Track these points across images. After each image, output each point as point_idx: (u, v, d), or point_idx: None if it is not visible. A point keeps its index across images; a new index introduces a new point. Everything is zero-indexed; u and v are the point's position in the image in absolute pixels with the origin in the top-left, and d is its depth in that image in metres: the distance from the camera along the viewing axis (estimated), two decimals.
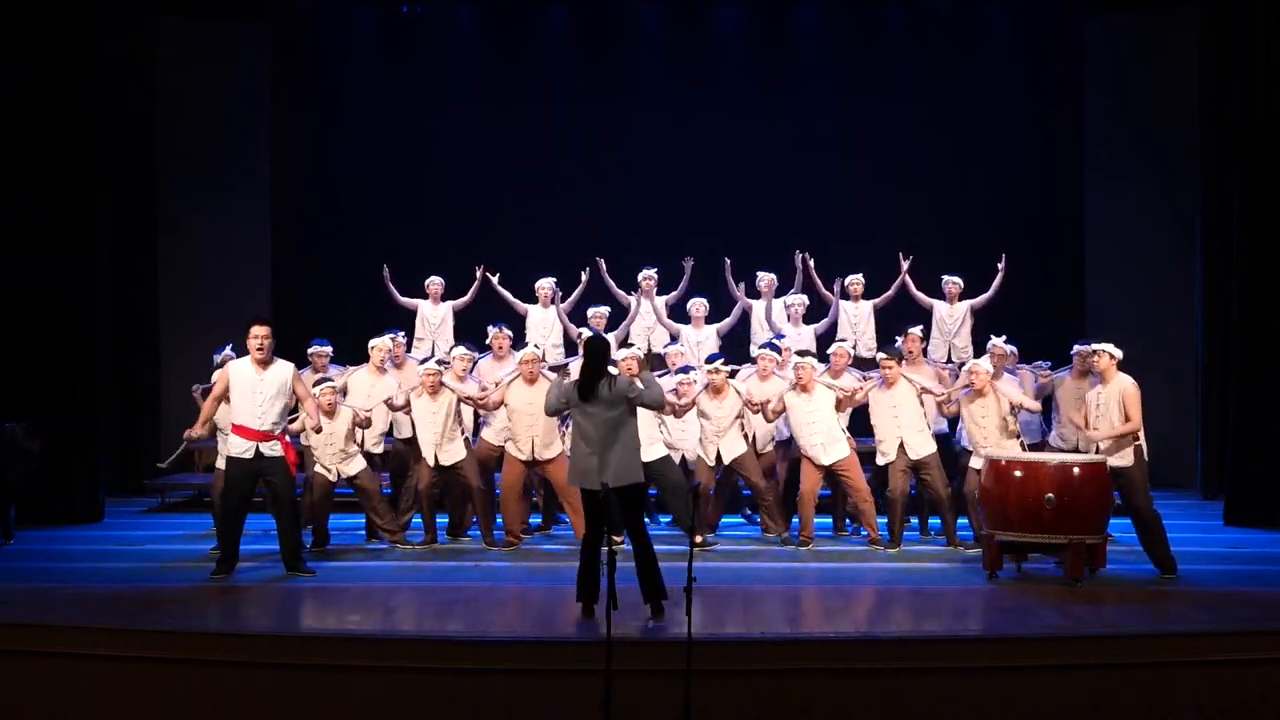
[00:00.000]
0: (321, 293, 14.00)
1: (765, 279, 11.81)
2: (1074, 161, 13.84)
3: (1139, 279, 13.26)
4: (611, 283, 12.00)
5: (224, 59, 13.61)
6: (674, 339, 11.58)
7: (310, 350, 10.29)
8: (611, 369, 7.80)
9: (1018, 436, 9.45)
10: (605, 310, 11.56)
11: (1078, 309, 13.54)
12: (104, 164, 11.70)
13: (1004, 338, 10.20)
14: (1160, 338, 12.48)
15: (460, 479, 9.90)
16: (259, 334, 8.59)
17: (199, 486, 11.94)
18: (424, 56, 14.50)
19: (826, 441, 9.74)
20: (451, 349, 10.54)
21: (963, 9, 14.42)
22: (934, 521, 10.19)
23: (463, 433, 9.97)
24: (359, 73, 14.54)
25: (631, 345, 10.11)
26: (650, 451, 9.41)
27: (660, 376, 9.98)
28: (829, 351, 10.26)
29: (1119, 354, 8.79)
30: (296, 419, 9.16)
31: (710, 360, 10.01)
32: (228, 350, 9.72)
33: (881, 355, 9.88)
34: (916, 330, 10.36)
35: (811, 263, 11.95)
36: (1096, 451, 8.65)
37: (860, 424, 10.23)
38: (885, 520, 9.81)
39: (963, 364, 10.53)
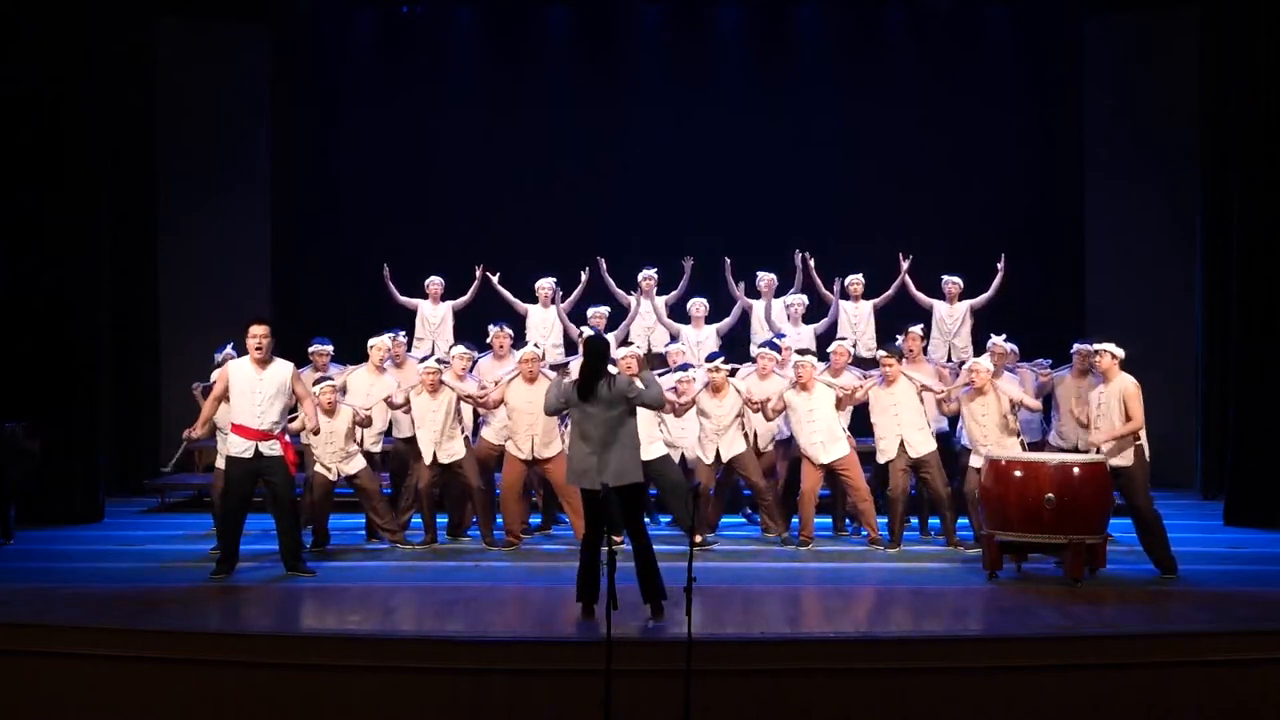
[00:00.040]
0: (321, 293, 14.00)
1: (765, 279, 11.82)
2: (1074, 161, 13.84)
3: (1139, 279, 13.26)
4: (611, 282, 12.01)
5: (224, 59, 13.61)
6: (674, 339, 11.59)
7: (311, 349, 10.29)
8: (611, 368, 7.80)
9: (1018, 435, 9.45)
10: (605, 310, 11.57)
11: (1078, 309, 13.54)
12: (104, 164, 11.70)
13: (1004, 336, 10.21)
14: (1160, 338, 12.48)
15: (460, 478, 9.90)
16: (258, 333, 8.59)
17: (199, 486, 11.94)
18: (424, 56, 14.50)
19: (826, 440, 9.74)
20: (451, 348, 10.55)
21: (963, 9, 14.42)
22: (934, 521, 10.19)
23: (462, 431, 9.97)
24: (359, 73, 14.54)
25: (631, 344, 10.11)
26: (650, 450, 9.40)
27: (662, 375, 9.99)
28: (829, 350, 10.26)
29: (1121, 353, 8.79)
30: (297, 418, 9.16)
31: (710, 359, 10.01)
32: (229, 349, 9.72)
33: (882, 353, 9.88)
34: (917, 329, 10.37)
35: (812, 262, 11.96)
36: (1098, 451, 8.65)
37: (860, 424, 10.23)
38: (885, 520, 9.81)
39: (963, 363, 10.53)
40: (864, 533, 9.94)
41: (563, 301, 11.70)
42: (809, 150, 14.15)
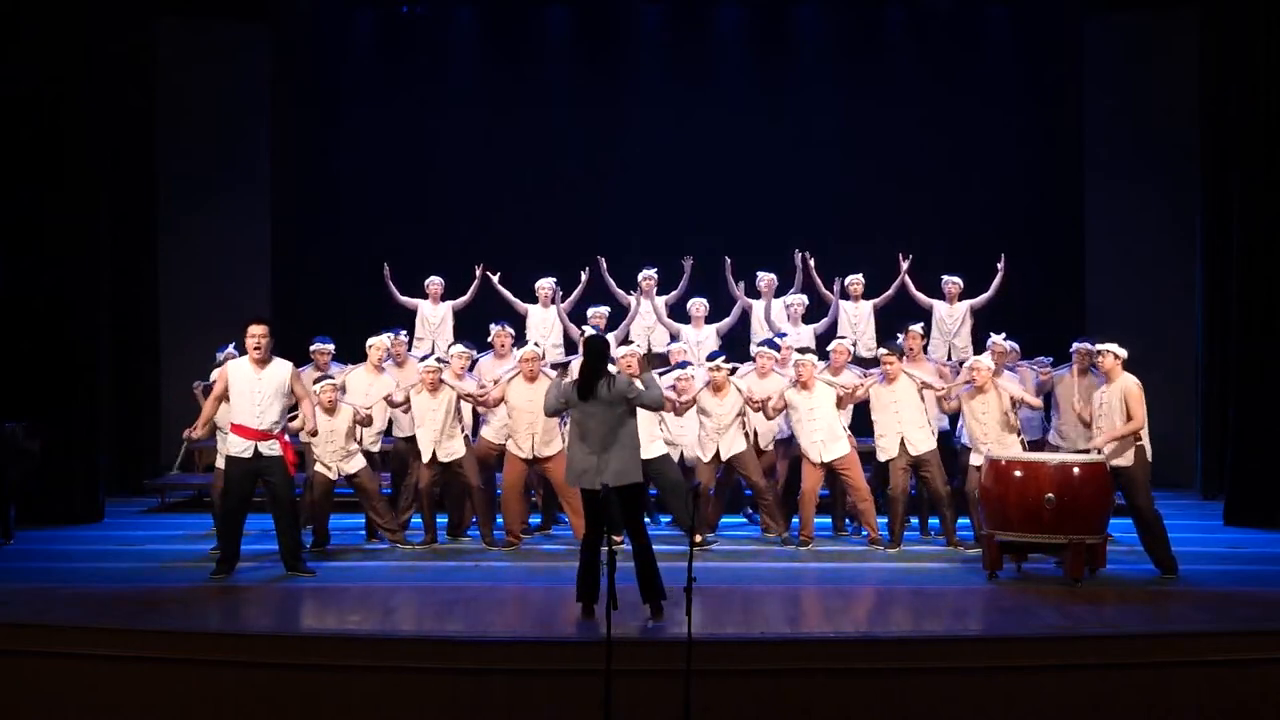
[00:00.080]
0: (321, 293, 14.00)
1: (765, 279, 11.83)
2: (1074, 161, 13.84)
3: (1139, 279, 13.26)
4: (611, 282, 12.02)
5: (224, 59, 13.61)
6: (674, 339, 11.59)
7: (312, 348, 10.29)
8: (611, 368, 7.80)
9: (1018, 433, 9.46)
10: (605, 310, 11.58)
11: (1078, 309, 13.54)
12: (104, 164, 11.70)
13: (1003, 335, 10.22)
14: (1160, 338, 12.48)
15: (460, 477, 9.90)
16: (256, 333, 8.59)
17: (199, 486, 11.94)
18: (424, 56, 14.50)
19: (827, 439, 9.74)
20: (450, 346, 10.55)
21: (963, 9, 14.42)
22: (934, 521, 10.19)
23: (462, 430, 9.97)
24: (359, 73, 14.54)
25: (632, 343, 10.12)
26: (650, 450, 9.40)
27: (663, 374, 10.00)
28: (828, 349, 10.26)
29: (1123, 353, 8.80)
30: (297, 418, 9.15)
31: (711, 358, 10.01)
32: (230, 349, 9.72)
33: (883, 351, 9.88)
34: (917, 328, 10.37)
35: (812, 262, 11.97)
36: (1099, 452, 8.65)
37: (860, 424, 10.23)
38: (885, 520, 9.82)
39: (962, 363, 10.54)
40: (864, 533, 9.93)
41: (563, 301, 11.71)
42: (809, 150, 14.15)
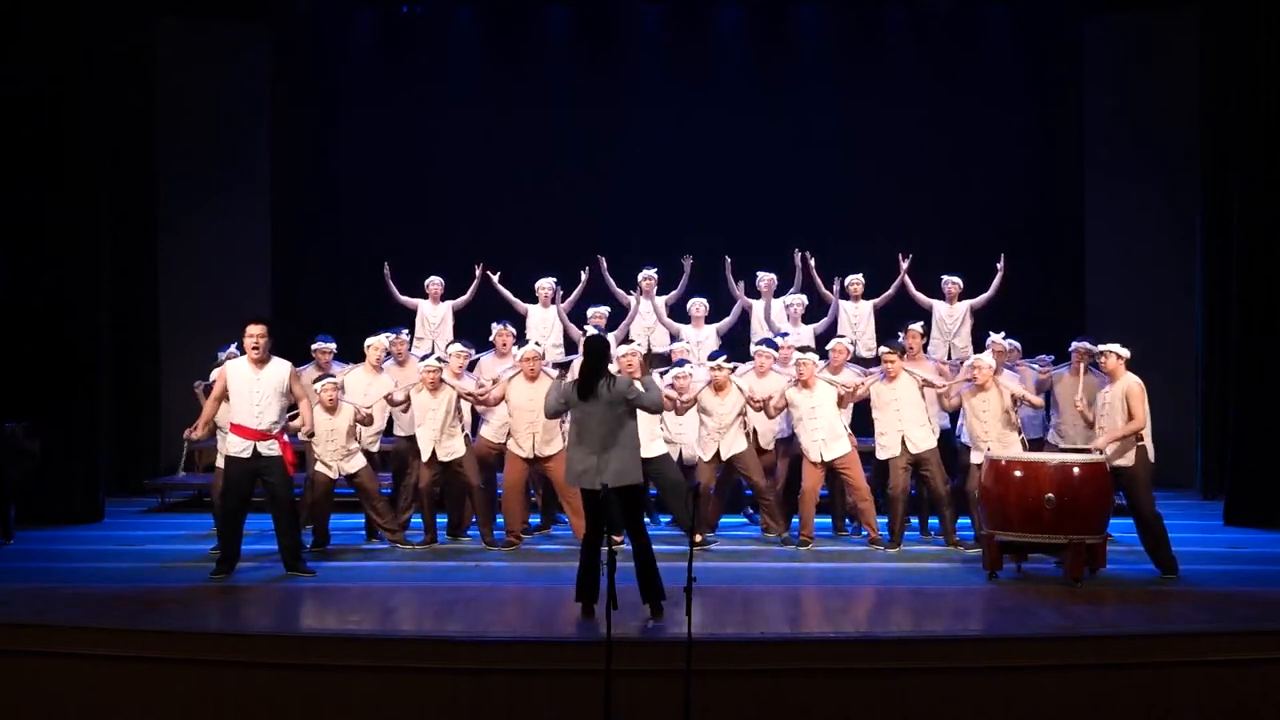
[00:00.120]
0: (321, 293, 14.00)
1: (765, 279, 11.83)
2: (1074, 161, 13.84)
3: (1139, 279, 13.26)
4: (611, 282, 12.02)
5: (224, 59, 13.61)
6: (674, 339, 11.59)
7: (314, 347, 10.29)
8: (611, 368, 7.80)
9: (1019, 431, 9.46)
10: (605, 310, 11.58)
11: (1078, 309, 13.55)
12: (104, 164, 11.70)
13: (1003, 334, 10.23)
14: (1160, 338, 12.47)
15: (459, 477, 9.90)
16: (254, 333, 8.59)
17: (199, 486, 11.94)
18: (424, 56, 14.50)
19: (828, 438, 9.74)
20: (448, 345, 10.54)
21: (963, 9, 14.42)
22: (934, 521, 10.19)
23: (462, 430, 9.97)
24: (359, 73, 14.54)
25: (632, 342, 10.12)
26: (650, 449, 9.40)
27: (664, 373, 10.01)
28: (827, 348, 10.26)
29: (1126, 353, 8.81)
30: (297, 417, 9.15)
31: (712, 357, 10.02)
32: (232, 348, 9.71)
33: (884, 349, 9.87)
34: (917, 326, 10.39)
35: (812, 261, 11.97)
36: (1101, 453, 8.65)
37: (860, 423, 10.23)
38: (885, 520, 9.82)
39: (963, 362, 10.55)
40: (864, 532, 9.93)
41: (563, 301, 11.71)
42: (809, 150, 14.15)
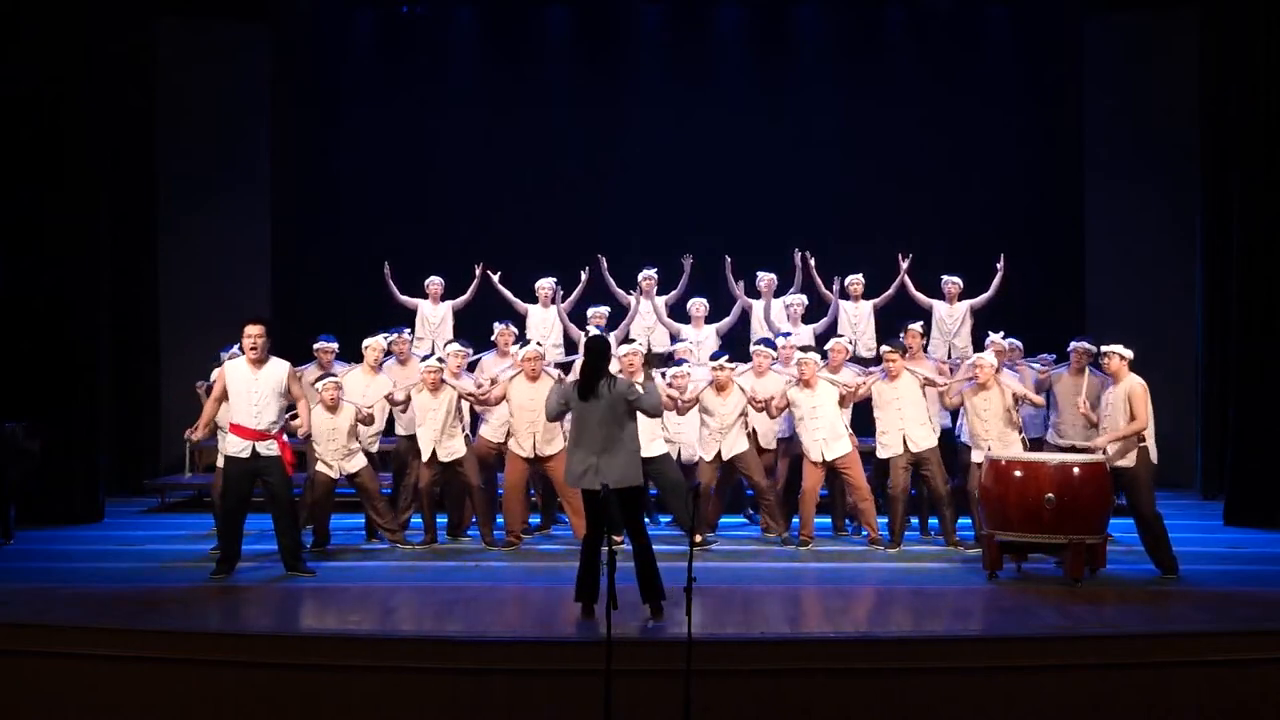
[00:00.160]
0: (321, 293, 14.00)
1: (765, 279, 11.83)
2: (1074, 161, 13.84)
3: (1139, 279, 13.26)
4: (611, 281, 12.02)
5: (224, 59, 13.61)
6: (674, 338, 11.60)
7: (316, 346, 10.29)
8: (613, 368, 7.80)
9: (1020, 431, 9.46)
10: (605, 310, 11.58)
11: (1078, 309, 13.55)
12: (104, 164, 11.70)
13: (1001, 334, 10.23)
14: (1160, 338, 12.46)
15: (460, 477, 9.90)
16: (252, 333, 8.59)
17: (199, 486, 11.94)
18: (424, 56, 14.50)
19: (829, 437, 9.74)
20: (446, 344, 10.55)
21: (963, 9, 14.42)
22: (934, 521, 10.18)
23: (463, 430, 9.97)
24: (359, 73, 14.54)
25: (633, 342, 10.12)
26: (650, 449, 9.40)
27: (665, 373, 10.01)
28: (826, 347, 10.26)
29: (1129, 354, 8.81)
30: (297, 417, 9.15)
31: (714, 357, 10.02)
32: (235, 349, 9.72)
33: (886, 348, 9.87)
34: (916, 326, 10.41)
35: (812, 261, 11.97)
36: (1104, 453, 8.65)
37: (860, 422, 10.23)
38: (885, 520, 9.81)
39: (962, 362, 10.55)
40: (864, 533, 9.93)
41: (563, 301, 11.71)
42: (809, 150, 14.15)
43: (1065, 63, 13.95)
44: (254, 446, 8.59)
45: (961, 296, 11.66)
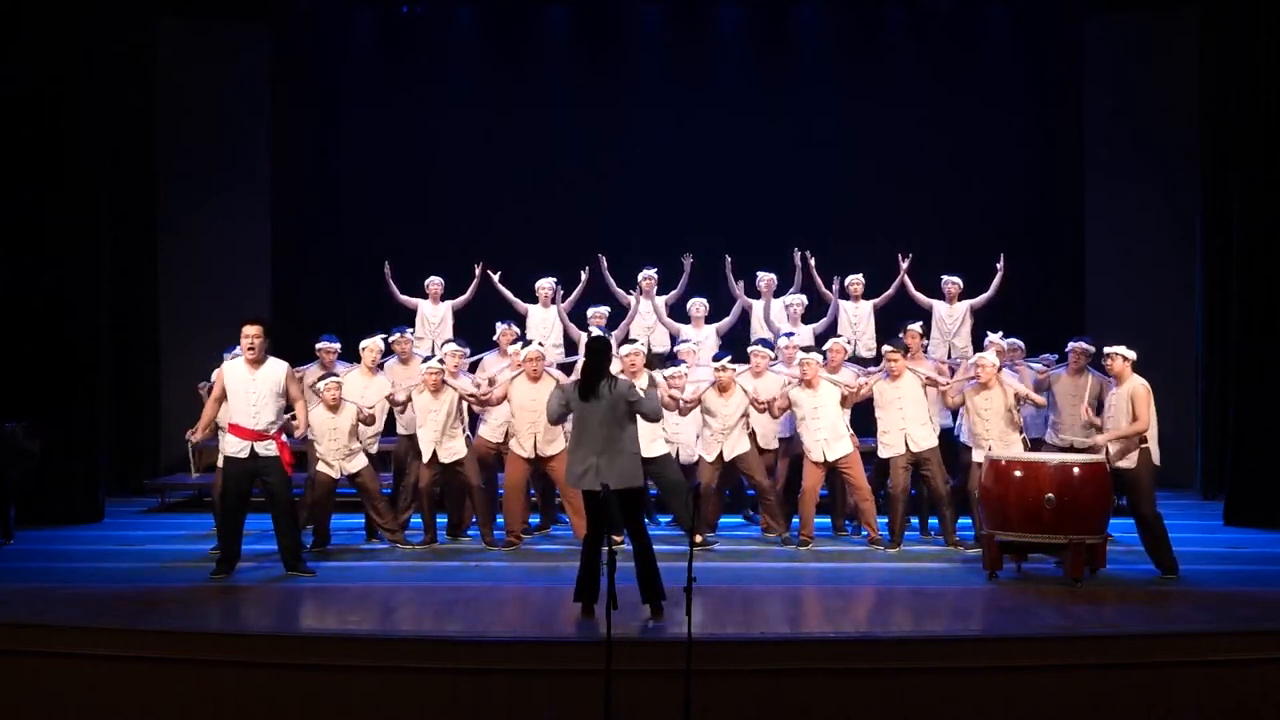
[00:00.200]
0: (321, 293, 14.00)
1: (765, 279, 11.82)
2: (1074, 161, 13.85)
3: (1139, 279, 13.26)
4: (611, 281, 12.01)
5: (224, 59, 13.60)
6: (674, 338, 11.60)
7: (318, 346, 10.28)
8: (614, 368, 7.81)
9: (1021, 431, 9.46)
10: (605, 310, 11.57)
11: (1078, 309, 13.55)
12: (104, 164, 11.70)
13: (1000, 334, 10.23)
14: (1160, 338, 12.46)
15: (460, 477, 9.89)
16: (250, 334, 8.59)
17: (199, 486, 11.92)
18: (424, 56, 14.50)
19: (830, 438, 9.74)
20: (443, 344, 10.55)
21: (963, 9, 14.42)
22: (934, 521, 10.18)
23: (464, 431, 9.97)
24: (359, 73, 14.54)
25: (635, 342, 10.13)
26: (651, 449, 9.41)
27: (665, 372, 10.03)
28: (825, 347, 10.26)
29: (1132, 355, 8.82)
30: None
31: (717, 358, 10.02)
32: (238, 350, 9.72)
33: (887, 348, 9.87)
34: (916, 326, 10.42)
35: (812, 261, 11.97)
36: (1108, 455, 8.65)
37: (860, 422, 10.23)
38: (885, 520, 9.81)
39: (962, 362, 10.55)
40: (864, 533, 9.93)
41: (563, 301, 11.70)
42: (809, 150, 14.15)
43: (1065, 63, 13.95)
44: (252, 447, 8.59)
45: (961, 296, 11.66)
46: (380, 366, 10.35)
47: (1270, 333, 10.84)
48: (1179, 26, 12.89)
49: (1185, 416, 12.27)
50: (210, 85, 13.52)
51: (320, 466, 9.57)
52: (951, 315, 11.64)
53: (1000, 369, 9.62)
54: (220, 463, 9.19)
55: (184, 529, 10.76)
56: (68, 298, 11.13)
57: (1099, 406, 9.37)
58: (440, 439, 9.75)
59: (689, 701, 6.01)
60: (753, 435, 10.10)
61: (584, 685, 6.39)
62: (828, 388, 9.79)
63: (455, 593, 8.21)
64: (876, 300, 11.86)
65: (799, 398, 9.81)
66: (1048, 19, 14.12)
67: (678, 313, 11.87)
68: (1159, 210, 13.18)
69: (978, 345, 10.83)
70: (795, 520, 10.04)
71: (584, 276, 11.81)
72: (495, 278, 11.91)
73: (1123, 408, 8.68)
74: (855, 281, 11.86)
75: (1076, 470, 8.34)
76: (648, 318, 11.88)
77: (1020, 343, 10.44)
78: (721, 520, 10.52)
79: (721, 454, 9.91)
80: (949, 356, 11.41)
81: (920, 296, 11.73)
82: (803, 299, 11.74)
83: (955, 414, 10.22)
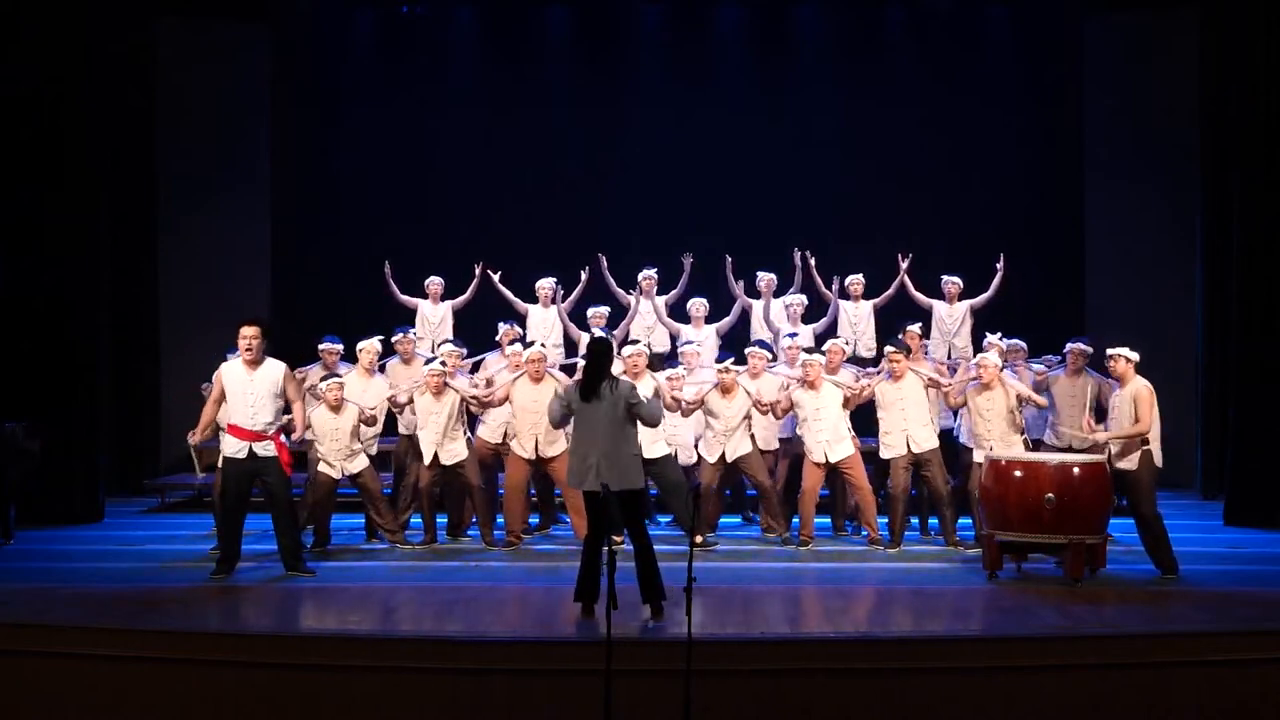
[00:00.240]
0: (321, 293, 14.00)
1: (765, 279, 11.82)
2: (1074, 161, 13.84)
3: (1139, 279, 13.26)
4: (611, 281, 12.01)
5: (224, 59, 13.60)
6: (674, 338, 11.60)
7: (321, 347, 10.27)
8: (616, 368, 7.81)
9: (1022, 432, 9.46)
10: (605, 310, 11.58)
11: (1078, 309, 13.55)
12: (104, 164, 11.70)
13: (999, 334, 10.23)
14: (1160, 338, 12.45)
15: (460, 477, 9.89)
16: (247, 334, 8.59)
17: (199, 486, 11.93)
18: (424, 56, 14.50)
19: (832, 439, 9.73)
20: (439, 345, 10.54)
21: (963, 9, 14.42)
22: (934, 522, 10.19)
23: (465, 433, 9.96)
24: (359, 73, 14.54)
25: (637, 342, 10.13)
26: (652, 450, 9.43)
27: (669, 372, 10.05)
28: (823, 348, 10.26)
29: (1135, 357, 8.81)
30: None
31: (720, 359, 10.02)
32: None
33: (890, 349, 9.87)
34: (915, 327, 10.42)
35: (812, 261, 11.97)
36: (1109, 454, 8.65)
37: (862, 423, 10.23)
38: (885, 520, 9.81)
39: (962, 362, 10.55)
40: (864, 533, 9.93)
41: (563, 301, 11.70)
42: (809, 150, 14.14)
43: (1065, 63, 13.95)
44: (251, 447, 8.59)
45: (961, 296, 11.66)
46: (382, 368, 10.36)
47: (1270, 333, 10.84)
48: (1179, 26, 12.89)
49: (1185, 416, 12.26)
50: (210, 85, 13.51)
51: (322, 467, 9.57)
52: (951, 315, 11.64)
53: (1002, 370, 9.62)
54: (220, 463, 9.20)
55: (184, 529, 10.76)
56: (68, 298, 11.13)
57: (1098, 408, 9.38)
58: (442, 441, 9.75)
59: (689, 701, 6.01)
60: (752, 437, 10.10)
61: (584, 685, 6.39)
62: (830, 389, 9.79)
63: (455, 593, 8.21)
64: (876, 300, 11.85)
65: (801, 399, 9.81)
66: (1048, 19, 14.12)
67: (678, 313, 11.87)
68: (1159, 210, 13.18)
69: (978, 345, 10.84)
70: (795, 520, 10.04)
71: (584, 276, 11.81)
72: (495, 278, 11.91)
73: (1126, 410, 8.68)
74: (855, 281, 11.86)
75: (1076, 470, 8.34)
76: (648, 318, 11.88)
77: (1022, 344, 10.43)
78: (721, 520, 10.52)
79: (724, 455, 9.91)
80: (949, 357, 11.41)
81: (920, 296, 11.73)
82: (803, 299, 11.74)
83: (955, 414, 10.22)
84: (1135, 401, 8.62)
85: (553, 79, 14.51)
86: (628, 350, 9.59)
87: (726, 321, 11.71)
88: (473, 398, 9.88)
